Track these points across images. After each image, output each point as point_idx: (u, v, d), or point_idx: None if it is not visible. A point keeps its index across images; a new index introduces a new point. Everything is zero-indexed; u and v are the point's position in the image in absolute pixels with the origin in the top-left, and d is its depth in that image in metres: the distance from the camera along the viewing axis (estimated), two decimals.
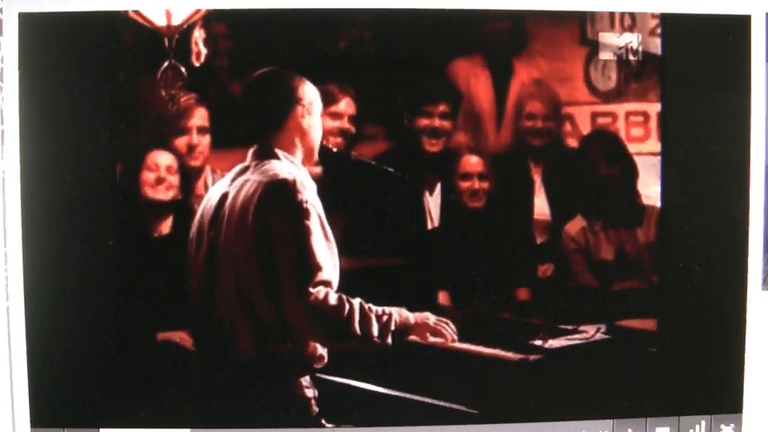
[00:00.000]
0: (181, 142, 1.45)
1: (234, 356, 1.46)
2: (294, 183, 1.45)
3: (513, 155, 1.50)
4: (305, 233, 1.44)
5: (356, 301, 1.46)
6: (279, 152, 1.47)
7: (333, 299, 1.45)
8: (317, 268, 1.45)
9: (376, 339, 1.46)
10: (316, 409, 1.48)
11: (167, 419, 1.47)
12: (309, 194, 1.46)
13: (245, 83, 1.46)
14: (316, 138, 1.49)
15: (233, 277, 1.45)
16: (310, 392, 1.48)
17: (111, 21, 1.42)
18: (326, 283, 1.46)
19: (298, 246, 1.44)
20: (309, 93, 1.47)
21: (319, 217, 1.46)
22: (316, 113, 1.48)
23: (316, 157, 1.49)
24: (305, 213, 1.45)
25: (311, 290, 1.45)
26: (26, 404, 1.45)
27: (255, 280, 1.44)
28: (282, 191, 1.45)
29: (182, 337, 1.46)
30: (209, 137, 1.46)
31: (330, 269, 1.46)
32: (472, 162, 1.49)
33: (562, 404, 1.50)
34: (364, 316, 1.46)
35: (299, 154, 1.48)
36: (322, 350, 1.47)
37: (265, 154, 1.47)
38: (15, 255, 1.43)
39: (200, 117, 1.45)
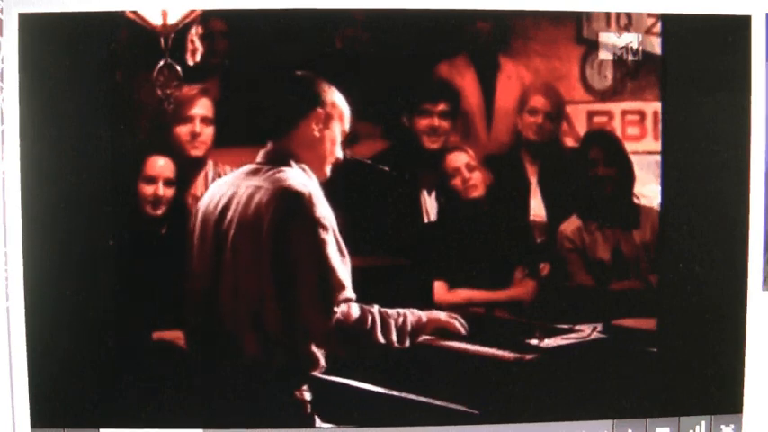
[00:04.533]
0: (176, 139, 1.45)
1: (233, 360, 1.46)
2: (310, 197, 1.43)
3: (509, 155, 1.50)
4: (324, 250, 1.43)
5: (375, 309, 1.46)
6: (292, 158, 1.46)
7: (355, 312, 1.45)
8: (341, 287, 1.44)
9: (396, 344, 1.46)
10: (310, 410, 1.48)
11: (168, 420, 1.47)
12: (323, 209, 1.44)
13: (264, 80, 1.45)
14: (330, 150, 1.47)
15: (242, 282, 1.44)
16: (308, 396, 1.47)
17: (110, 21, 1.42)
18: (349, 300, 1.45)
19: (319, 264, 1.43)
20: (335, 102, 1.45)
21: (334, 232, 1.44)
22: (336, 125, 1.46)
23: (326, 170, 1.47)
24: (323, 229, 1.43)
25: (335, 309, 1.44)
26: (26, 404, 1.45)
27: (268, 293, 1.44)
28: (298, 205, 1.43)
29: (180, 338, 1.46)
30: (212, 130, 1.46)
31: (350, 286, 1.45)
32: (468, 161, 1.49)
33: (561, 404, 1.50)
34: (385, 322, 1.45)
35: (312, 161, 1.46)
36: (319, 355, 1.47)
37: (278, 158, 1.46)
38: (15, 255, 1.43)
39: (203, 108, 1.45)
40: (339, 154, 1.47)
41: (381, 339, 1.45)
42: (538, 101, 1.49)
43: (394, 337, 1.46)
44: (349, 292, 1.45)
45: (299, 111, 1.47)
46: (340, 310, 1.44)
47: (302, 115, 1.47)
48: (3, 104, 1.41)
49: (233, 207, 1.44)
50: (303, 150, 1.47)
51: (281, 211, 1.43)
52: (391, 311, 1.46)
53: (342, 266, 1.44)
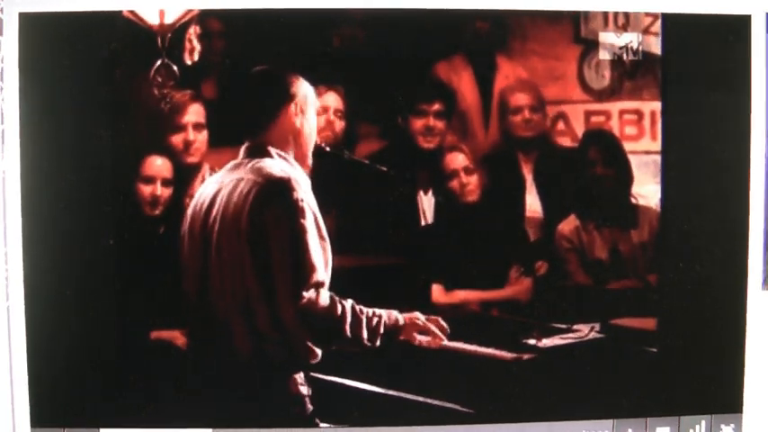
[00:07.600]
0: (175, 140, 1.46)
1: (229, 355, 1.46)
2: (289, 181, 1.43)
3: (506, 153, 1.51)
4: (301, 233, 1.43)
5: (348, 303, 1.45)
6: (272, 150, 1.46)
7: (325, 300, 1.45)
8: (312, 269, 1.44)
9: (366, 342, 1.46)
10: (310, 407, 1.48)
11: (168, 419, 1.48)
12: (304, 192, 1.44)
13: (239, 79, 1.45)
14: (309, 137, 1.48)
15: (227, 277, 1.44)
16: (304, 390, 1.48)
17: (109, 20, 1.42)
18: (319, 284, 1.44)
19: (294, 246, 1.43)
20: (304, 91, 1.46)
21: (314, 215, 1.44)
22: (310, 112, 1.47)
23: (309, 157, 1.48)
24: (301, 212, 1.43)
25: (304, 293, 1.44)
26: (26, 404, 1.45)
27: (251, 280, 1.44)
28: (277, 190, 1.43)
29: (179, 337, 1.46)
30: (206, 134, 1.47)
31: (322, 269, 1.45)
32: (464, 161, 1.50)
33: (561, 403, 1.50)
34: (356, 318, 1.45)
35: (292, 152, 1.47)
36: (316, 347, 1.47)
37: (258, 151, 1.46)
38: (15, 255, 1.43)
39: (194, 114, 1.46)
40: (316, 140, 1.48)
41: (349, 334, 1.45)
42: (520, 98, 1.49)
43: (364, 335, 1.46)
44: (320, 275, 1.45)
45: (272, 107, 1.47)
46: (308, 295, 1.44)
47: (276, 111, 1.47)
48: (3, 104, 1.42)
49: (217, 203, 1.45)
50: (282, 144, 1.47)
51: (261, 198, 1.43)
52: (366, 309, 1.46)
53: (317, 248, 1.44)
